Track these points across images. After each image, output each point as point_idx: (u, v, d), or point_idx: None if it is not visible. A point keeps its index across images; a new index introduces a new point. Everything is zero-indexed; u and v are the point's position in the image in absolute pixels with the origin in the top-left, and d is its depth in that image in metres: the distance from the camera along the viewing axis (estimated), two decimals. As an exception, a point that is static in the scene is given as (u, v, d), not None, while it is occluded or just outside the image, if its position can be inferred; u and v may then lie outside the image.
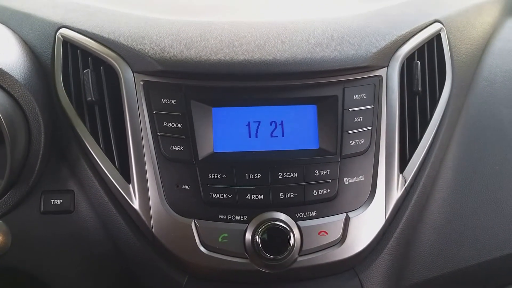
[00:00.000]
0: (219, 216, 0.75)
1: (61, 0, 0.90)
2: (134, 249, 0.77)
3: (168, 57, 0.76)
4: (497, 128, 0.85)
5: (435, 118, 0.83)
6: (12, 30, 0.86)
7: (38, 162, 0.77)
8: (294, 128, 0.78)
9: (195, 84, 0.77)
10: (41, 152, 0.77)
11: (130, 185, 0.76)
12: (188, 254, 0.75)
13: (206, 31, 0.80)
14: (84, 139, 0.79)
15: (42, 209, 0.78)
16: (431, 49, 0.86)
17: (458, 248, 0.80)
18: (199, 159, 0.76)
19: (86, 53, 0.80)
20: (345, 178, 0.77)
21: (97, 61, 0.80)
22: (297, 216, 0.75)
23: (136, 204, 0.76)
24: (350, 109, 0.78)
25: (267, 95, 0.78)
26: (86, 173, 0.79)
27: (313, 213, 0.75)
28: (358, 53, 0.78)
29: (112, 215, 0.78)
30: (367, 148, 0.78)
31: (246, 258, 0.74)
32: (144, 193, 0.75)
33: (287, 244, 0.73)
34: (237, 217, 0.75)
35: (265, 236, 0.73)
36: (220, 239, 0.74)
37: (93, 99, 0.79)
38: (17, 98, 0.76)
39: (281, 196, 0.75)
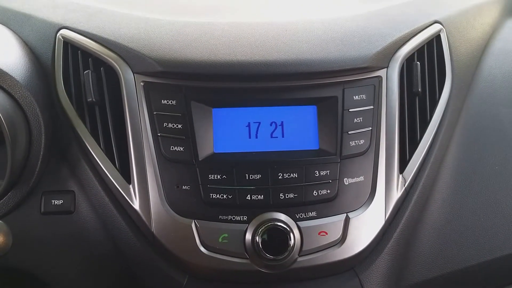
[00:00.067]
0: (219, 217, 0.75)
1: (61, 1, 0.90)
2: (135, 249, 0.77)
3: (168, 58, 0.76)
4: (497, 129, 0.85)
5: (435, 119, 0.83)
6: (13, 31, 0.86)
7: (39, 162, 0.77)
8: (294, 128, 0.78)
9: (195, 85, 0.77)
10: (41, 153, 0.77)
11: (131, 186, 0.77)
12: (188, 254, 0.75)
13: (206, 32, 0.80)
14: (84, 140, 0.79)
15: (42, 209, 0.78)
16: (431, 50, 0.86)
17: (458, 249, 0.80)
18: (199, 159, 0.76)
19: (87, 54, 0.81)
20: (345, 179, 0.77)
21: (98, 62, 0.80)
22: (297, 217, 0.75)
23: (136, 205, 0.76)
24: (350, 110, 0.78)
25: (267, 95, 0.78)
26: (86, 174, 0.79)
27: (313, 214, 0.76)
28: (358, 54, 0.78)
29: (113, 216, 0.78)
30: (367, 149, 0.78)
31: (246, 258, 0.74)
32: (145, 194, 0.76)
33: (287, 244, 0.73)
34: (237, 218, 0.75)
35: (265, 236, 0.73)
36: (220, 240, 0.74)
37: (94, 99, 0.79)
38: (18, 99, 0.76)
39: (281, 196, 0.75)
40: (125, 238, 0.78)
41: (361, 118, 0.78)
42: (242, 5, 0.97)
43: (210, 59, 0.76)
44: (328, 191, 0.76)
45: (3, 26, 0.87)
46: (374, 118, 0.79)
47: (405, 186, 0.79)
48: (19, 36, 0.85)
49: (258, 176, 0.75)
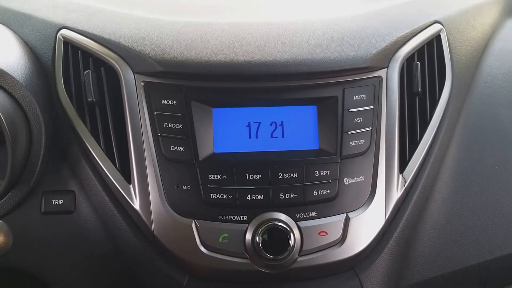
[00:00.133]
0: (220, 217, 0.75)
1: (61, 1, 0.90)
2: (135, 249, 0.78)
3: (168, 58, 0.76)
4: (497, 129, 0.85)
5: (435, 119, 0.83)
6: (13, 31, 0.86)
7: (39, 162, 0.77)
8: (294, 128, 0.78)
9: (195, 85, 0.77)
10: (42, 153, 0.77)
11: (131, 186, 0.77)
12: (189, 254, 0.75)
13: (206, 32, 0.80)
14: (84, 140, 0.79)
15: (43, 209, 0.78)
16: (431, 50, 0.86)
17: (458, 248, 0.81)
18: (200, 159, 0.76)
19: (87, 54, 0.81)
20: (345, 179, 0.77)
21: (98, 62, 0.80)
22: (297, 217, 0.75)
23: (136, 205, 0.76)
24: (350, 110, 0.78)
25: (267, 95, 0.79)
26: (86, 174, 0.79)
27: (313, 214, 0.76)
28: (358, 54, 0.78)
29: (113, 216, 0.78)
30: (367, 149, 0.78)
31: (247, 258, 0.74)
32: (145, 194, 0.76)
33: (287, 244, 0.73)
34: (238, 218, 0.75)
35: (265, 236, 0.73)
36: (220, 239, 0.74)
37: (94, 99, 0.79)
38: (18, 99, 0.76)
39: (281, 196, 0.75)
40: (125, 238, 0.78)
41: (361, 118, 0.78)
42: (242, 5, 0.97)
43: (210, 59, 0.76)
44: (328, 191, 0.76)
45: (4, 26, 0.87)
46: (374, 118, 0.79)
47: (405, 186, 0.79)
48: (19, 36, 0.85)
49: (258, 176, 0.75)
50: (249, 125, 0.78)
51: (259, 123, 0.78)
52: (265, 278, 0.75)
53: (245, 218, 0.75)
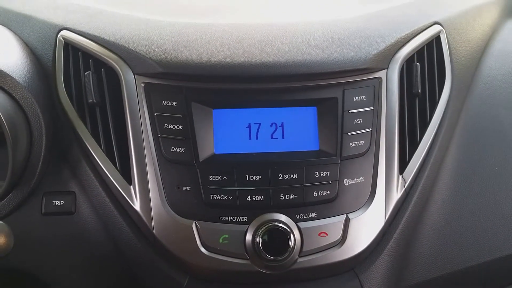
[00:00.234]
0: (220, 217, 0.75)
1: (62, 2, 0.90)
2: (135, 250, 0.78)
3: (169, 59, 0.76)
4: (497, 130, 0.85)
5: (435, 120, 0.83)
6: (13, 32, 0.86)
7: (40, 163, 0.77)
8: (294, 129, 0.78)
9: (195, 86, 0.77)
10: (42, 154, 0.77)
11: (131, 187, 0.77)
12: (189, 255, 0.75)
13: (206, 33, 0.80)
14: (85, 141, 0.79)
15: (43, 210, 0.78)
16: (431, 51, 0.86)
17: (457, 249, 0.81)
18: (200, 160, 0.76)
19: (87, 55, 0.81)
20: (345, 180, 0.77)
21: (98, 63, 0.80)
22: (297, 217, 0.75)
23: (137, 206, 0.76)
24: (350, 111, 0.78)
25: (267, 97, 0.79)
26: (87, 175, 0.79)
27: (313, 214, 0.76)
28: (358, 55, 0.78)
29: (113, 217, 0.78)
30: (367, 150, 0.78)
31: (247, 259, 0.74)
32: (145, 195, 0.76)
33: (288, 245, 0.73)
34: (238, 218, 0.75)
35: (265, 237, 0.73)
36: (220, 240, 0.74)
37: (94, 101, 0.79)
38: (19, 100, 0.76)
39: (282, 197, 0.75)
40: (126, 239, 0.78)
41: (361, 119, 0.79)
42: (242, 5, 0.97)
43: (210, 60, 0.76)
44: (328, 192, 0.76)
45: (4, 27, 0.87)
46: (374, 119, 0.79)
47: (405, 187, 0.79)
48: (19, 37, 0.85)
49: (259, 177, 0.75)
50: (249, 126, 0.78)
51: (259, 124, 0.78)
52: (265, 279, 0.76)
53: (246, 219, 0.75)
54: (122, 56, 0.79)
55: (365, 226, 0.77)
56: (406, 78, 0.83)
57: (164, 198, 0.75)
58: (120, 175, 0.77)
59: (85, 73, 0.80)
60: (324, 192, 0.76)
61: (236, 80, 0.77)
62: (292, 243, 0.73)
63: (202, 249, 0.74)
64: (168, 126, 0.77)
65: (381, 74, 0.81)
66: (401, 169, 0.80)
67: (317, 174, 0.76)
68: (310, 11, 0.95)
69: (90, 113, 0.80)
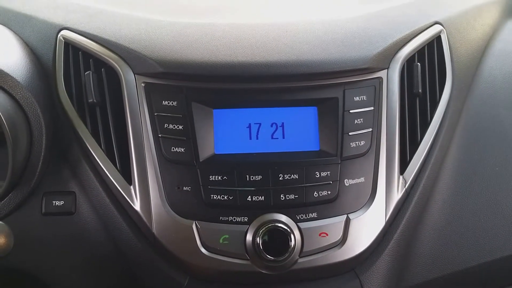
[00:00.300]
0: (220, 218, 0.75)
1: (62, 2, 0.90)
2: (135, 250, 0.78)
3: (169, 59, 0.76)
4: (497, 130, 0.85)
5: (435, 120, 0.83)
6: (14, 31, 0.86)
7: (40, 163, 0.77)
8: (295, 129, 0.78)
9: (196, 86, 0.77)
10: (42, 154, 0.77)
11: (131, 187, 0.77)
12: (189, 255, 0.75)
13: (207, 33, 0.80)
14: (85, 141, 0.79)
15: (43, 210, 0.78)
16: (431, 51, 0.86)
17: (458, 250, 0.81)
18: (200, 160, 0.76)
19: (88, 55, 0.81)
20: (345, 180, 0.77)
21: (99, 63, 0.80)
22: (298, 218, 0.75)
23: (137, 206, 0.76)
24: (350, 111, 0.78)
25: (267, 97, 0.79)
26: (87, 175, 0.79)
27: (314, 215, 0.76)
28: (358, 55, 0.78)
29: (113, 217, 0.78)
30: (368, 150, 0.78)
31: (247, 259, 0.74)
32: (145, 195, 0.76)
33: (288, 245, 0.73)
34: (238, 219, 0.75)
35: (265, 237, 0.73)
36: (221, 241, 0.74)
37: (95, 100, 0.79)
38: (19, 100, 0.76)
39: (282, 197, 0.75)
40: (126, 239, 0.78)
41: (361, 119, 0.78)
42: (242, 5, 0.97)
43: (211, 60, 0.76)
44: (329, 192, 0.76)
45: (4, 27, 0.87)
46: (374, 119, 0.79)
47: (406, 187, 0.79)
48: (20, 37, 0.85)
49: (259, 177, 0.75)
50: (249, 126, 0.78)
51: (260, 124, 0.78)
52: (265, 279, 0.75)
53: (246, 219, 0.75)
54: (123, 56, 0.79)
55: (366, 227, 0.77)
56: (407, 78, 0.83)
57: (164, 198, 0.75)
58: (120, 175, 0.77)
59: (85, 73, 0.80)
60: (324, 192, 0.76)
61: (236, 80, 0.77)
62: (292, 243, 0.73)
63: (202, 249, 0.74)
64: (169, 126, 0.76)
65: (382, 74, 0.80)
66: (402, 169, 0.80)
67: (318, 174, 0.76)
68: (310, 10, 0.95)
69: (90, 113, 0.80)
